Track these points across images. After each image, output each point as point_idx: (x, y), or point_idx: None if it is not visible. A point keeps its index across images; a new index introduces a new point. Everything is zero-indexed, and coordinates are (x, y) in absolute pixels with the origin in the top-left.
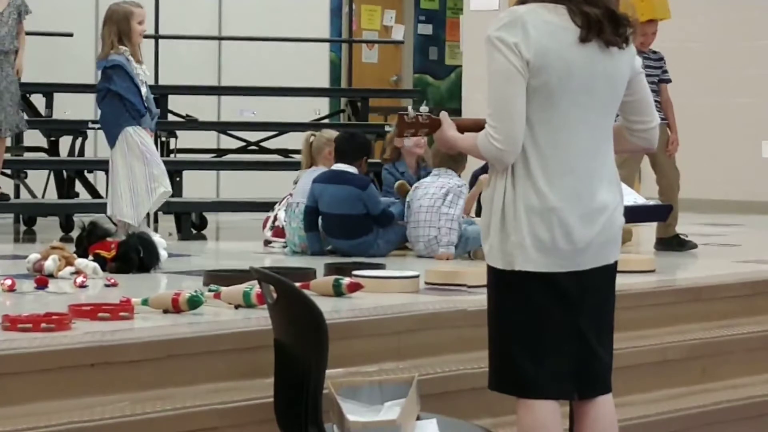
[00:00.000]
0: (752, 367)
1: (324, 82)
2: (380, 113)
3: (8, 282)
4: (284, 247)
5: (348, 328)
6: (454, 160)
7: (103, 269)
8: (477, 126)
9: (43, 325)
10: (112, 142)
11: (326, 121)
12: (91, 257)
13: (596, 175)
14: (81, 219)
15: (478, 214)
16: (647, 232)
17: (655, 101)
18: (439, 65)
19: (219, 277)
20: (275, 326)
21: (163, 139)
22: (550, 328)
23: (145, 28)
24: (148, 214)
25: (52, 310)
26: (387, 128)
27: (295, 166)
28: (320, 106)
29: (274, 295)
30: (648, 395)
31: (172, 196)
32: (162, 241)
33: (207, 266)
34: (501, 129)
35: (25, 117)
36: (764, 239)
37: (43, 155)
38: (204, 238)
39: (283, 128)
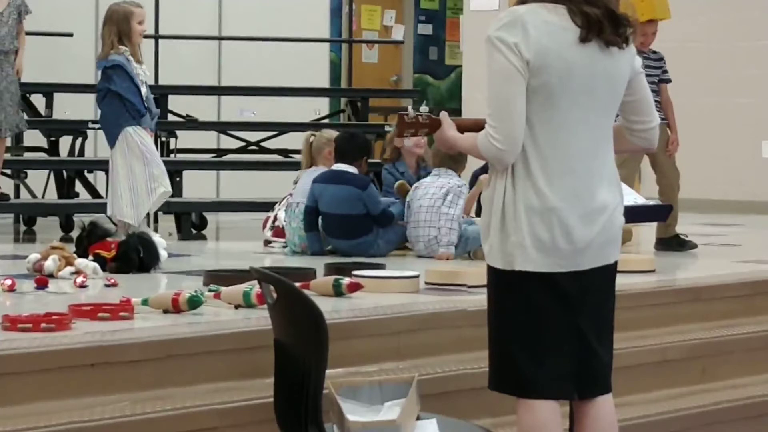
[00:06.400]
0: (752, 367)
1: (324, 82)
2: (380, 113)
3: (8, 282)
4: (284, 247)
5: (348, 328)
6: (454, 160)
7: (103, 269)
8: (477, 126)
9: (43, 325)
10: (112, 142)
11: (326, 121)
12: (91, 257)
13: (596, 175)
14: (81, 219)
15: (478, 214)
16: (647, 232)
17: (655, 101)
18: (439, 65)
19: (219, 277)
20: (275, 326)
21: (163, 139)
22: (550, 328)
23: (145, 28)
24: (148, 214)
25: (52, 310)
26: (387, 128)
27: (295, 166)
28: (320, 106)
29: (274, 295)
30: (648, 395)
31: (172, 196)
32: (162, 241)
33: (207, 266)
34: (501, 129)
35: (25, 117)
36: (764, 239)
37: (43, 155)
38: (204, 238)
39: (283, 128)
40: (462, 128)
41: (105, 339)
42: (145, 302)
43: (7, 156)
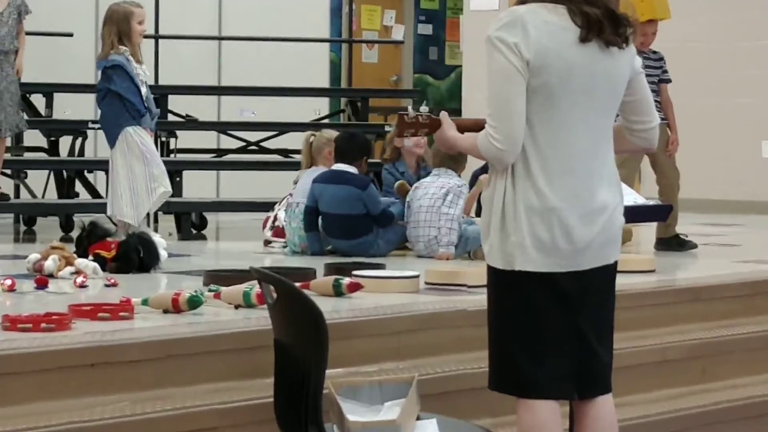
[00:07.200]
0: (752, 367)
1: (324, 82)
2: (380, 113)
3: (8, 282)
4: (284, 247)
5: (348, 328)
6: (454, 160)
7: (103, 269)
8: (477, 126)
9: (43, 325)
10: (112, 142)
11: (326, 121)
12: (91, 257)
13: (596, 175)
14: (81, 219)
15: (478, 214)
16: (647, 232)
17: (655, 101)
18: (439, 65)
19: (219, 277)
20: (275, 326)
21: (163, 139)
22: (550, 328)
23: (145, 28)
24: (148, 214)
25: (52, 310)
26: (387, 128)
27: (295, 166)
28: (320, 106)
29: (274, 295)
30: (648, 395)
31: (172, 196)
32: (162, 241)
33: (207, 266)
34: (501, 129)
35: (25, 117)
36: (764, 239)
37: (43, 155)
38: (204, 238)
39: (283, 128)
40: (462, 128)
41: (105, 339)
42: (145, 302)
43: (7, 156)
